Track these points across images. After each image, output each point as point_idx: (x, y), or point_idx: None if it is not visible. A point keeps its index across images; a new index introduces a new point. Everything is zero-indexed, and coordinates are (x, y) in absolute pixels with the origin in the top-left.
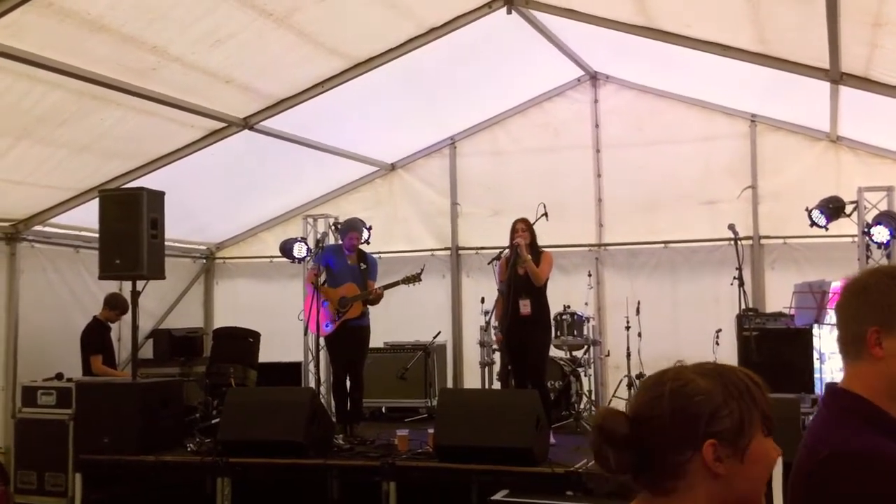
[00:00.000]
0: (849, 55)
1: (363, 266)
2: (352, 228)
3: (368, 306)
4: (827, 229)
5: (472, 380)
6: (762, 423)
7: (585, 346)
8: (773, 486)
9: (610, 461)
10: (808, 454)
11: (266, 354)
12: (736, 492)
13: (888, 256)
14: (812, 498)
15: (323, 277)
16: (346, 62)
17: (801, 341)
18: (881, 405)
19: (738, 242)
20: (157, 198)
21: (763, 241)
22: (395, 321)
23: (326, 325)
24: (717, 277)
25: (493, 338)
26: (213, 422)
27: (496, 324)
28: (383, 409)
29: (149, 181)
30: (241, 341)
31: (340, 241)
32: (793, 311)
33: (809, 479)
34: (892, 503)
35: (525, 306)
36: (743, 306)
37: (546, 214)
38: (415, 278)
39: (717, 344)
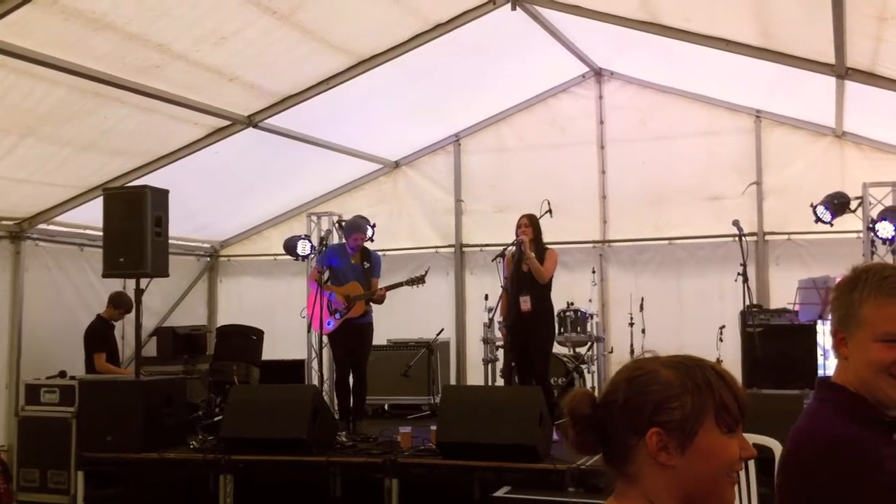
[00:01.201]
0: (854, 49)
1: (366, 264)
2: (356, 230)
3: (371, 304)
4: (832, 225)
5: (475, 377)
6: (719, 420)
7: (589, 343)
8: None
9: (572, 439)
10: (790, 443)
11: (269, 352)
12: (684, 485)
13: (893, 252)
14: (789, 484)
15: (326, 275)
16: (351, 59)
17: (805, 337)
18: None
19: (743, 238)
20: (162, 196)
21: (767, 237)
22: (398, 318)
23: (329, 323)
24: (722, 273)
25: (499, 334)
26: (216, 419)
27: (500, 320)
28: (386, 407)
29: (153, 179)
30: (245, 339)
31: (344, 241)
32: (797, 308)
33: (786, 467)
34: (856, 486)
35: (525, 303)
36: (747, 302)
37: (550, 211)
38: (419, 280)
39: (721, 340)
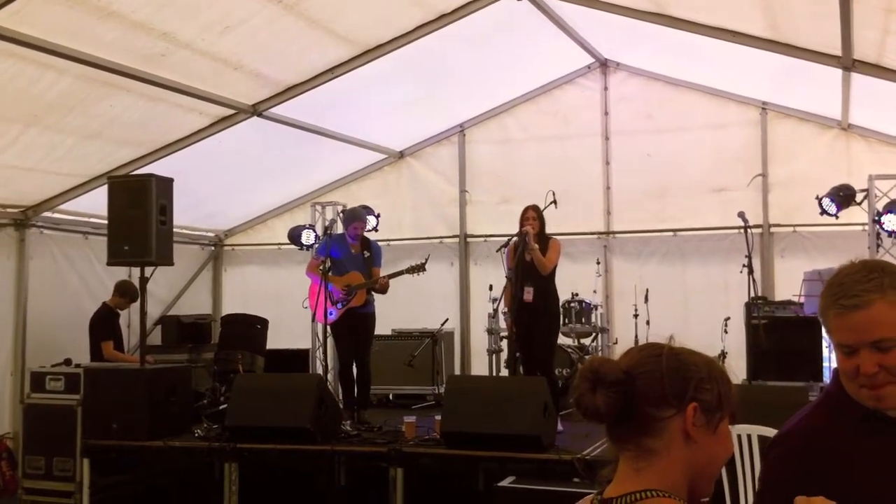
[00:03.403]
0: (861, 42)
1: (367, 254)
2: (355, 218)
3: (373, 294)
4: (837, 217)
5: (479, 367)
6: (731, 411)
7: (593, 334)
8: None
9: (592, 404)
10: None
11: (274, 341)
12: (698, 465)
13: None
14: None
15: (328, 265)
16: (356, 49)
17: (810, 329)
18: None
19: (748, 230)
20: (166, 184)
21: (773, 230)
22: (402, 308)
23: (331, 313)
24: (727, 265)
25: (503, 324)
26: (221, 408)
27: (505, 310)
28: (391, 396)
29: (158, 168)
30: (249, 328)
31: (344, 231)
32: (802, 300)
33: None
34: (800, 475)
35: (528, 293)
36: (752, 294)
37: (555, 202)
38: (419, 268)
39: (726, 332)
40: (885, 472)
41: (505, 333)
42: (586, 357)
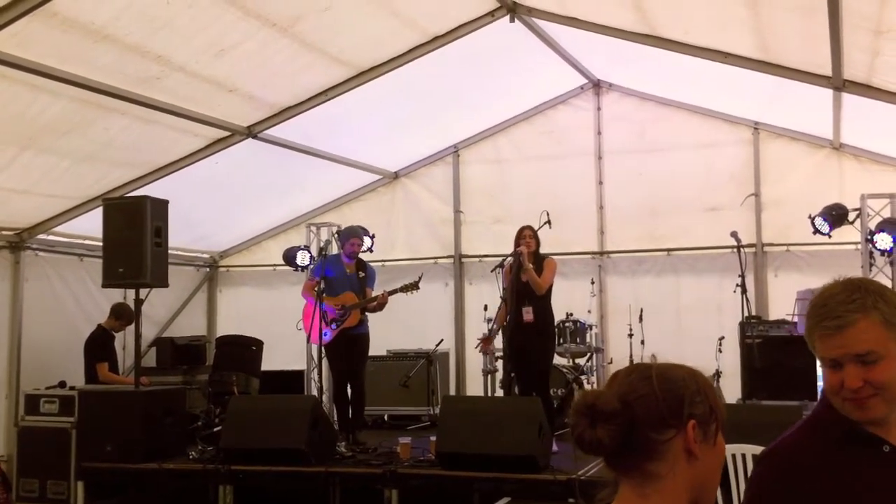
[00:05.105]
0: (851, 62)
1: (361, 275)
2: (352, 234)
3: (367, 314)
4: (830, 236)
5: (474, 387)
6: (722, 420)
7: (588, 354)
8: None
9: (595, 439)
10: None
11: (268, 362)
12: (701, 480)
13: (891, 263)
14: None
15: (322, 286)
16: (350, 71)
17: (803, 348)
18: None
19: (741, 250)
20: (161, 206)
21: (766, 249)
22: (397, 329)
23: (325, 334)
24: (720, 285)
25: (499, 344)
26: (216, 430)
27: (494, 327)
28: (386, 417)
29: (153, 189)
30: (244, 349)
31: (339, 251)
32: (796, 318)
33: None
34: (767, 496)
35: (528, 313)
36: (746, 313)
37: (549, 222)
38: (412, 286)
39: (720, 351)
40: (864, 488)
41: (500, 353)
42: (581, 377)
